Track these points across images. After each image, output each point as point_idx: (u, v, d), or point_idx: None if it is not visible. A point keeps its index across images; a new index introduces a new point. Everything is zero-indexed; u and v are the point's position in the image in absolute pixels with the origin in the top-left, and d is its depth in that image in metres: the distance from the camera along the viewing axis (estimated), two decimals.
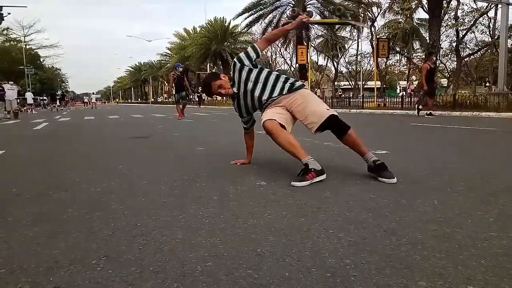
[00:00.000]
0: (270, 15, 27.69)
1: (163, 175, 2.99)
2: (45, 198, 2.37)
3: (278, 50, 43.51)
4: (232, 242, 1.56)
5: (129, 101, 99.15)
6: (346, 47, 44.91)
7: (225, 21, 39.95)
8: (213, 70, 47.67)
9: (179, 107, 12.27)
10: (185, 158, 3.95)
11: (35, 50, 49.52)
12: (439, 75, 31.48)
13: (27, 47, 46.25)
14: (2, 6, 28.28)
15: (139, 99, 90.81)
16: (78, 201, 2.28)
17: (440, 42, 20.57)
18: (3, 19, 29.82)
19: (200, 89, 30.08)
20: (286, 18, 27.84)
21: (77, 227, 1.80)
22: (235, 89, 3.10)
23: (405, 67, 41.82)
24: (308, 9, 23.54)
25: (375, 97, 19.26)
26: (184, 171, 3.17)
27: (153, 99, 71.27)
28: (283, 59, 46.87)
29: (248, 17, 27.76)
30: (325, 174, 2.64)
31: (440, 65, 30.69)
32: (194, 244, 1.54)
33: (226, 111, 20.52)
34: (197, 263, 1.37)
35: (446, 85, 35.72)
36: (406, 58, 38.35)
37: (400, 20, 34.19)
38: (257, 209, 2.01)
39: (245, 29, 30.46)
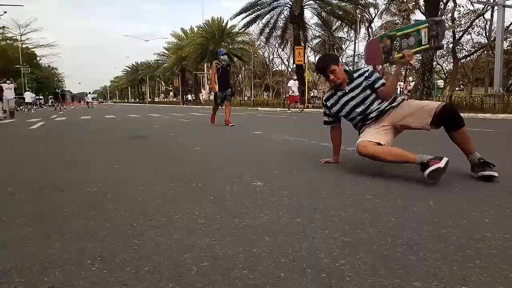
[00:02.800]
0: (268, 16, 27.67)
1: (159, 175, 2.99)
2: (40, 198, 2.36)
3: (275, 50, 43.55)
4: (228, 243, 1.56)
5: (126, 101, 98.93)
6: (343, 48, 45.02)
7: (223, 21, 39.90)
8: (211, 71, 47.74)
9: (216, 108, 9.46)
10: (181, 158, 3.94)
11: (31, 49, 49.32)
12: (435, 76, 31.60)
13: (24, 46, 46.06)
14: None
15: (136, 99, 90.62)
16: (73, 201, 2.27)
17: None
18: None
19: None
20: (284, 19, 27.88)
21: (72, 227, 1.79)
22: (348, 88, 3.14)
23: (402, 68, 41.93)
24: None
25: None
26: (181, 171, 3.17)
27: (150, 99, 71.16)
28: (280, 59, 46.91)
29: (245, 17, 27.73)
30: (445, 158, 2.47)
31: (437, 66, 30.80)
32: (190, 245, 1.54)
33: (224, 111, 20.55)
34: (193, 264, 1.37)
35: (442, 87, 35.87)
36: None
37: (397, 21, 34.34)
38: (253, 209, 2.01)
39: (242, 29, 30.40)
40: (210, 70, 9.36)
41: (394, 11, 33.77)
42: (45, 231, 1.74)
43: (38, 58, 52.71)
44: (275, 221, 1.81)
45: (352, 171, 3.05)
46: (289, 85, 18.90)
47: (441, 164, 2.44)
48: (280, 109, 21.54)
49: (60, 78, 72.53)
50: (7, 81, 16.64)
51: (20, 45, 44.66)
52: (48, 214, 2.01)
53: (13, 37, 46.36)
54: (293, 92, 18.26)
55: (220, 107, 9.42)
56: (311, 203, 2.11)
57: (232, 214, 1.93)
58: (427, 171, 2.45)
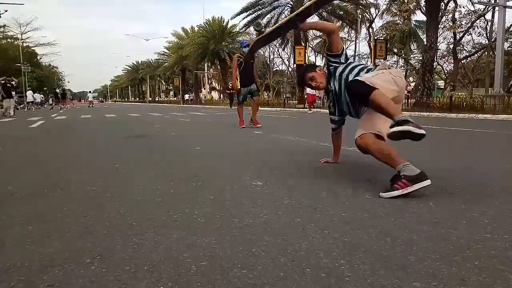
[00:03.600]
0: (268, 15, 27.67)
1: (159, 174, 2.99)
2: (40, 197, 2.36)
3: (276, 50, 43.52)
4: (227, 242, 1.56)
5: (126, 100, 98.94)
6: (344, 48, 44.93)
7: (223, 21, 39.88)
8: (211, 70, 47.70)
9: (241, 109, 8.10)
10: (181, 158, 3.94)
11: (32, 48, 49.32)
12: (436, 76, 31.60)
13: (24, 44, 46.06)
14: None
15: (136, 98, 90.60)
16: (73, 199, 2.27)
17: (438, 44, 20.65)
18: (0, 17, 29.65)
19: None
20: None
21: (72, 226, 1.79)
22: (330, 85, 2.99)
23: (402, 68, 41.96)
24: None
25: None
26: (181, 170, 3.17)
27: (150, 98, 71.15)
28: (280, 59, 46.88)
29: (246, 17, 27.74)
30: (427, 180, 2.17)
31: (437, 66, 30.79)
32: (189, 244, 1.54)
33: (224, 111, 20.54)
34: (192, 263, 1.37)
35: (443, 87, 35.87)
36: (403, 60, 38.46)
37: (398, 21, 34.32)
38: (253, 209, 2.01)
39: (243, 29, 30.41)
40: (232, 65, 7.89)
41: (395, 11, 33.72)
42: (45, 230, 1.74)
43: (38, 57, 52.73)
44: (275, 221, 1.81)
45: (352, 171, 3.06)
46: None
47: (409, 189, 2.17)
48: (280, 109, 21.53)
49: (60, 77, 72.53)
50: (8, 78, 16.64)
51: (21, 43, 44.67)
52: (47, 213, 2.02)
53: (14, 36, 46.40)
54: (311, 91, 16.87)
55: (231, 106, 9.45)
56: (310, 203, 2.11)
57: (231, 214, 1.93)
58: (390, 192, 2.20)
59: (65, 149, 5.02)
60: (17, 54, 41.59)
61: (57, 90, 30.17)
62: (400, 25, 32.87)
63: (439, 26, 20.35)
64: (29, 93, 27.43)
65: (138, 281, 1.24)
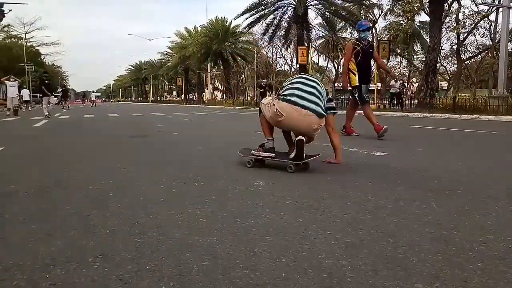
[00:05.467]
0: (271, 16, 27.66)
1: (162, 175, 2.99)
2: (43, 196, 2.37)
3: (279, 50, 43.50)
4: (229, 242, 1.56)
5: (130, 99, 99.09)
6: None
7: (226, 21, 39.91)
8: (214, 70, 47.71)
9: (354, 111, 6.28)
10: (184, 158, 3.94)
11: (36, 47, 49.46)
12: (439, 77, 31.52)
13: (28, 44, 46.21)
14: (3, 3, 28.26)
15: (139, 98, 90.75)
16: (76, 199, 2.28)
17: (441, 45, 20.58)
18: (4, 16, 29.79)
19: (264, 84, 24.19)
20: (287, 19, 27.86)
21: (75, 225, 1.80)
22: None
23: (405, 69, 41.85)
24: None
25: (375, 98, 19.27)
26: (183, 170, 3.17)
27: (153, 98, 71.24)
28: (283, 59, 46.85)
29: (249, 17, 27.73)
30: (273, 154, 3.16)
31: (441, 67, 30.70)
32: (191, 244, 1.54)
33: (227, 111, 20.54)
34: (194, 263, 1.37)
35: (446, 88, 35.77)
36: (406, 60, 38.35)
37: (402, 22, 34.21)
38: (255, 209, 2.01)
39: (246, 29, 30.41)
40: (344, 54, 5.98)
41: (398, 12, 33.64)
42: (48, 228, 1.75)
43: (42, 56, 52.88)
44: (277, 221, 1.81)
45: (355, 172, 3.05)
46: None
47: (260, 154, 3.19)
48: None
49: (64, 76, 72.71)
50: (11, 79, 16.61)
51: (25, 43, 44.83)
52: (50, 212, 2.02)
53: (18, 35, 46.55)
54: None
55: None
56: (312, 203, 2.10)
57: (233, 214, 1.93)
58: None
59: (68, 148, 5.03)
60: (20, 53, 41.73)
61: (58, 90, 30.13)
62: (403, 26, 32.74)
63: (443, 26, 20.26)
64: (25, 92, 27.36)
65: (140, 280, 1.24)
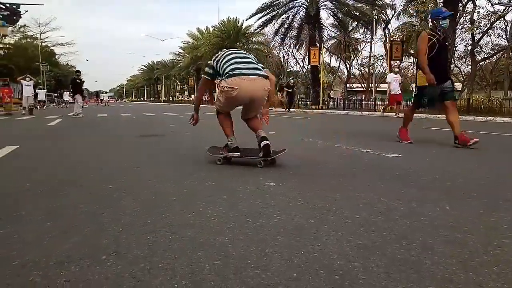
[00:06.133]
0: (283, 16, 27.63)
1: (174, 174, 3.01)
2: (57, 194, 2.40)
3: (290, 51, 43.43)
4: (240, 242, 1.56)
5: (142, 99, 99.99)
6: (359, 49, 44.62)
7: (238, 22, 40.02)
8: None
9: (411, 114, 5.39)
10: (196, 157, 3.96)
11: (50, 48, 50.26)
12: (453, 79, 31.11)
13: (43, 44, 46.99)
14: (19, 4, 28.76)
15: (151, 98, 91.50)
16: (90, 197, 2.31)
17: (455, 46, 20.31)
18: (21, 17, 30.30)
19: (292, 83, 22.61)
20: (299, 20, 27.79)
21: (88, 223, 1.82)
22: None
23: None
24: None
25: (388, 99, 19.08)
26: (194, 170, 3.19)
27: (165, 98, 71.76)
28: (295, 60, 46.76)
29: (261, 17, 27.75)
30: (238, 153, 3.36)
31: (455, 68, 30.30)
32: (203, 243, 1.55)
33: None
34: (206, 262, 1.37)
35: (460, 89, 35.29)
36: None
37: (415, 22, 33.85)
38: (266, 209, 2.01)
39: (258, 29, 30.43)
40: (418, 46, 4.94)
41: (412, 12, 33.30)
42: (62, 226, 1.78)
43: (56, 56, 53.68)
44: (288, 222, 1.81)
45: (367, 173, 3.03)
46: (388, 80, 13.36)
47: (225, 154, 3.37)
48: (293, 109, 21.46)
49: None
50: (26, 78, 16.88)
51: (40, 43, 45.59)
52: (65, 210, 2.05)
53: (33, 36, 47.37)
54: (393, 89, 13.08)
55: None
56: (324, 204, 2.10)
57: (245, 214, 1.93)
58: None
59: (81, 147, 5.10)
60: (36, 53, 42.45)
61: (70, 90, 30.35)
62: (417, 26, 32.39)
63: (457, 27, 20.01)
64: (41, 92, 27.74)
65: (153, 278, 1.25)
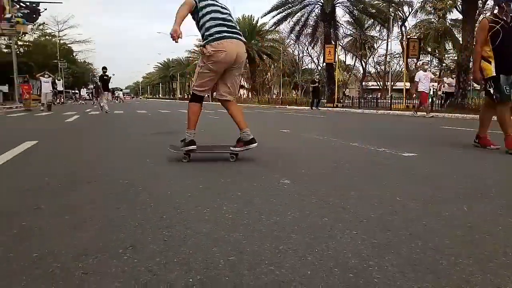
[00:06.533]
0: (298, 14, 27.52)
1: (189, 170, 3.04)
2: (75, 188, 2.45)
3: (305, 48, 43.22)
4: (254, 238, 1.57)
5: (157, 96, 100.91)
6: (375, 47, 44.14)
7: (253, 19, 40.01)
8: None
9: (508, 114, 4.34)
10: (210, 154, 3.98)
11: (68, 45, 51.14)
12: (471, 77, 30.49)
13: (61, 42, 47.84)
14: (39, 2, 29.30)
15: (166, 95, 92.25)
16: (106, 192, 2.35)
17: (474, 44, 19.89)
18: (40, 15, 30.87)
19: (317, 79, 21.58)
20: (314, 17, 27.63)
21: (105, 217, 1.85)
22: None
23: (436, 68, 40.72)
24: None
25: (404, 98, 18.86)
26: (210, 166, 3.21)
27: (180, 96, 72.29)
28: (310, 58, 46.54)
29: (276, 15, 27.69)
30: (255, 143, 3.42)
31: None
32: (218, 239, 1.56)
33: (252, 108, 20.60)
34: (220, 257, 1.39)
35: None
36: (437, 59, 37.34)
37: (433, 20, 33.33)
38: (280, 207, 2.02)
39: (273, 27, 30.38)
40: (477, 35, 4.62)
41: (429, 9, 32.76)
42: (80, 220, 1.81)
43: (74, 54, 54.60)
44: (302, 220, 1.81)
45: (382, 172, 3.00)
46: (416, 79, 12.66)
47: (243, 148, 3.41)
48: (308, 107, 21.38)
49: (95, 73, 74.81)
50: (45, 75, 17.20)
51: (58, 40, 46.44)
52: (83, 204, 2.09)
53: (52, 33, 48.29)
54: (423, 88, 12.47)
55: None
56: (339, 203, 2.09)
57: (259, 211, 1.94)
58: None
59: (98, 143, 5.18)
60: (54, 50, 43.26)
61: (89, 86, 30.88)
62: (434, 24, 31.88)
63: (476, 24, 19.61)
64: (59, 83, 28.22)
65: (169, 272, 1.27)
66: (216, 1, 3.43)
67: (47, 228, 1.71)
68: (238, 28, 3.42)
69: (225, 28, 3.24)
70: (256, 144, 3.44)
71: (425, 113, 12.65)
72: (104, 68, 15.48)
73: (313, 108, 19.57)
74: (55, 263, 1.35)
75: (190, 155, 3.41)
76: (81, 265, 1.33)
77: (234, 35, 3.28)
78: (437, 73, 39.77)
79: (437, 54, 36.03)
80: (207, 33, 3.24)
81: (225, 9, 3.41)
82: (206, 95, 3.49)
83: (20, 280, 1.22)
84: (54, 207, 2.01)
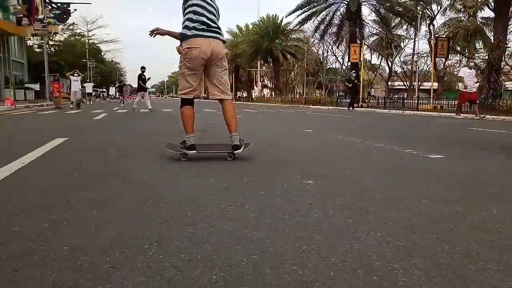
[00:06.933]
0: (323, 13, 27.31)
1: (213, 168, 3.07)
2: (103, 184, 2.52)
3: (330, 48, 42.82)
4: (277, 238, 1.57)
5: None
6: (402, 46, 43.26)
7: (278, 19, 39.94)
8: (264, 68, 47.96)
9: None
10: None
11: (97, 45, 52.53)
12: (503, 77, 29.43)
13: (90, 41, 49.18)
14: (69, 3, 30.18)
15: None
16: (133, 188, 2.40)
17: (507, 42, 19.23)
18: (70, 15, 31.81)
19: (354, 78, 19.66)
20: (340, 16, 27.34)
21: (132, 213, 1.90)
22: None
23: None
24: None
25: (431, 98, 18.41)
26: (233, 165, 3.23)
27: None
28: (334, 57, 46.07)
29: (300, 14, 27.56)
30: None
31: (505, 67, 28.66)
32: (241, 237, 1.58)
33: (275, 108, 20.58)
34: (243, 256, 1.40)
35: (511, 89, 33.39)
36: (466, 59, 36.25)
37: (463, 18, 32.38)
38: (303, 207, 2.01)
39: (297, 26, 30.25)
40: None
41: (459, 7, 31.84)
42: (108, 215, 1.86)
43: (102, 53, 56.02)
44: (326, 220, 1.80)
45: (409, 174, 2.95)
46: (461, 75, 11.94)
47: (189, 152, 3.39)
48: (332, 107, 21.18)
49: (122, 72, 76.45)
50: (75, 74, 17.70)
51: (87, 40, 47.78)
52: (110, 200, 2.15)
53: (81, 33, 49.75)
54: (467, 87, 11.60)
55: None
56: (363, 204, 2.06)
57: (281, 211, 1.94)
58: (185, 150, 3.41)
59: (125, 140, 5.30)
60: (83, 50, 44.54)
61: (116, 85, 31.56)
62: (464, 22, 30.96)
63: (509, 23, 18.91)
64: (89, 85, 29.01)
65: (192, 269, 1.29)
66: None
67: (76, 222, 1.76)
68: (217, 24, 3.39)
69: (202, 26, 3.26)
70: (241, 150, 3.43)
71: (455, 114, 12.13)
72: (143, 68, 15.64)
73: (350, 108, 18.12)
74: (83, 257, 1.39)
75: (188, 154, 3.41)
76: (108, 259, 1.37)
77: (209, 33, 3.28)
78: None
79: (467, 54, 34.95)
80: (186, 35, 3.30)
81: (211, 3, 3.39)
82: (194, 96, 3.47)
83: (51, 272, 1.27)
84: (83, 202, 2.08)
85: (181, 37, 3.31)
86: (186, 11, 3.34)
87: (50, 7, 30.32)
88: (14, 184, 2.54)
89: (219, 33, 3.37)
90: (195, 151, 3.40)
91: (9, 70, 27.44)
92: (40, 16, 26.14)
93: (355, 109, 18.43)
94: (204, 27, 3.27)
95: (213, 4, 3.40)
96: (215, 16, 3.38)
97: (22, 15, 24.85)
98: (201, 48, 3.22)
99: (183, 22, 3.34)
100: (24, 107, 17.24)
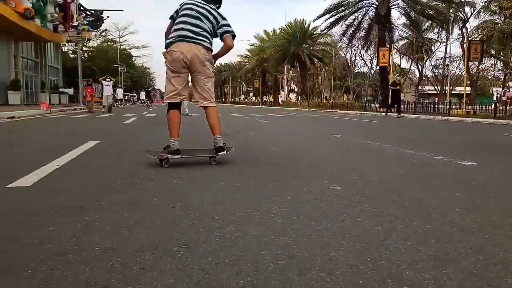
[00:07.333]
0: (352, 16, 27.02)
1: (240, 173, 3.09)
2: (134, 187, 2.58)
3: (358, 52, 42.27)
4: (304, 244, 1.56)
5: None
6: (433, 50, 42.20)
7: (305, 23, 39.83)
8: (290, 72, 47.89)
9: None
10: (260, 158, 4.02)
11: (128, 50, 54.07)
12: None
13: (121, 47, 50.66)
14: (103, 10, 31.23)
15: (218, 99, 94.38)
16: (162, 191, 2.45)
17: None
18: (103, 22, 32.89)
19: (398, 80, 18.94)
20: (368, 20, 26.99)
21: (161, 215, 1.94)
22: None
23: (500, 72, 38.08)
24: None
25: (464, 103, 17.83)
26: (259, 169, 3.24)
27: (231, 99, 73.65)
28: (362, 61, 45.45)
29: (328, 18, 27.37)
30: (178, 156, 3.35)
31: None
32: (268, 242, 1.58)
33: (301, 113, 20.48)
34: (270, 261, 1.40)
35: None
36: (502, 62, 34.93)
37: (498, 20, 31.31)
38: (331, 213, 1.99)
39: (325, 30, 30.04)
40: None
41: (494, 9, 30.78)
42: (138, 217, 1.91)
43: (133, 58, 57.58)
44: (354, 227, 1.77)
45: (440, 181, 2.87)
46: None
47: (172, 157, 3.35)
48: (360, 112, 20.87)
49: (152, 77, 78.26)
50: (107, 79, 18.26)
51: (119, 46, 49.24)
52: (140, 202, 2.20)
53: (113, 39, 51.35)
54: None
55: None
56: (392, 212, 2.02)
57: (309, 216, 1.93)
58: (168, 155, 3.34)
59: (153, 144, 5.41)
60: (115, 55, 45.91)
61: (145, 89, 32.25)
62: (500, 25, 29.88)
63: None
64: (119, 91, 29.78)
65: (220, 272, 1.30)
66: (195, 3, 3.47)
67: (107, 224, 1.82)
68: (205, 33, 3.41)
69: (185, 33, 3.34)
70: (223, 153, 3.47)
71: None
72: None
73: (388, 113, 17.21)
74: (115, 257, 1.43)
75: (169, 159, 3.35)
76: (138, 260, 1.41)
77: (191, 40, 3.34)
78: (501, 77, 37.19)
79: (502, 57, 33.70)
80: (168, 41, 3.41)
81: (200, 12, 3.43)
82: (179, 100, 3.48)
83: (84, 271, 1.31)
84: (114, 204, 2.14)
85: (166, 46, 3.44)
86: (175, 22, 3.47)
87: (84, 15, 31.48)
88: (49, 185, 2.65)
89: (204, 41, 3.42)
90: (179, 155, 3.38)
91: (45, 75, 28.63)
92: (75, 23, 27.16)
93: (403, 115, 16.79)
94: (188, 33, 3.36)
95: (199, 16, 3.43)
96: (201, 28, 3.41)
97: (58, 23, 25.89)
98: (182, 50, 3.31)
99: (171, 33, 3.46)
100: (59, 111, 17.91)
